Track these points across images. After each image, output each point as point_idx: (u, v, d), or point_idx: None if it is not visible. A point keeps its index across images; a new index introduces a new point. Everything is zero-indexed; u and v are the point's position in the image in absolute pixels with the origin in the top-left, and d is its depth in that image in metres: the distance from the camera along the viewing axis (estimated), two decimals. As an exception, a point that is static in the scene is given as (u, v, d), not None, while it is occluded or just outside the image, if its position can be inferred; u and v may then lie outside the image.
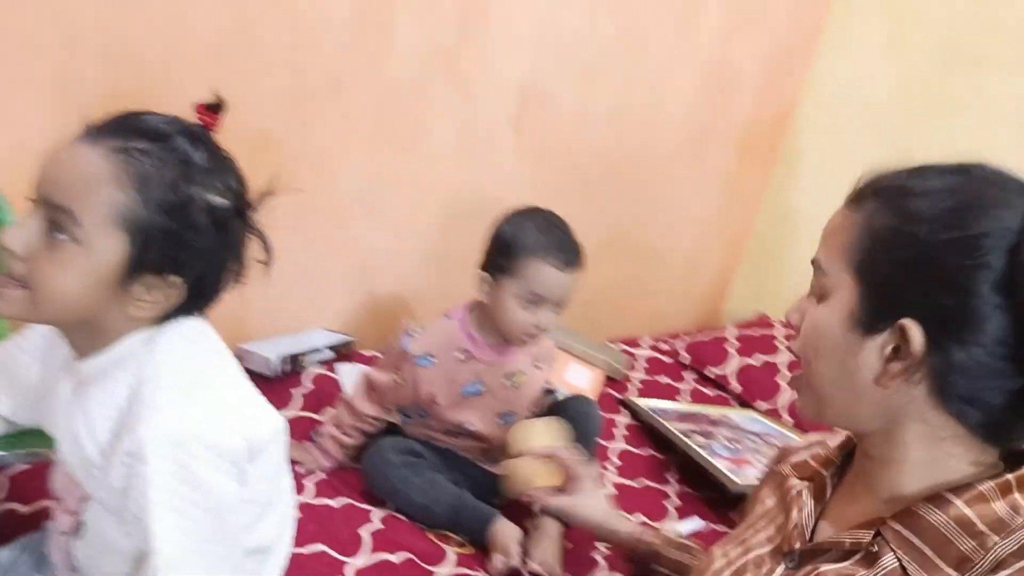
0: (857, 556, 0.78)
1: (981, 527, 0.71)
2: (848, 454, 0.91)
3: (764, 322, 2.62)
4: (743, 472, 1.87)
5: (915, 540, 0.74)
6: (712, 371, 2.43)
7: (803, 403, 0.86)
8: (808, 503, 0.88)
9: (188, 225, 0.87)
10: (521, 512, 1.66)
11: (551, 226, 1.50)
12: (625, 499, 1.76)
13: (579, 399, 1.75)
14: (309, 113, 1.76)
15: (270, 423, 0.99)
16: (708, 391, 2.40)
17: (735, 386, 2.38)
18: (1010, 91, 2.18)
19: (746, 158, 2.63)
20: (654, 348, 2.55)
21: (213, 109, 0.95)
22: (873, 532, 0.77)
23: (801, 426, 2.20)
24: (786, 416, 2.26)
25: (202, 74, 1.60)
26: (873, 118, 2.47)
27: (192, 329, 0.96)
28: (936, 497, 0.75)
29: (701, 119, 2.44)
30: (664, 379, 2.40)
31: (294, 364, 1.79)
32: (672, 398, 2.31)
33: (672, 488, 1.91)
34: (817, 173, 2.63)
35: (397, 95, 1.86)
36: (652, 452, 2.02)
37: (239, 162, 1.68)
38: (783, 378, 2.35)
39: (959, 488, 0.75)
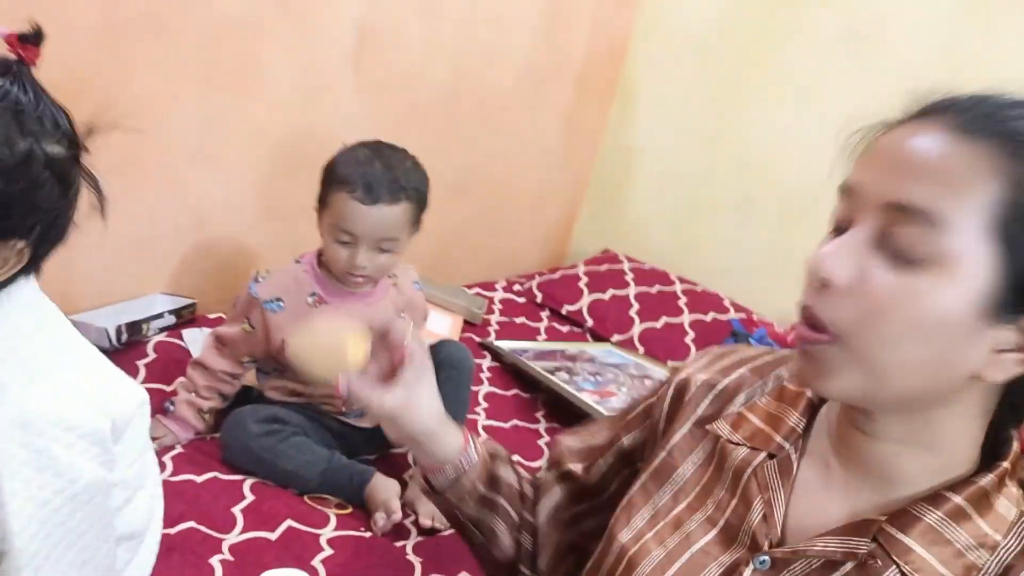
0: (846, 568, 0.65)
1: (986, 529, 0.63)
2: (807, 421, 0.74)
3: (611, 257, 2.67)
4: (608, 403, 1.91)
5: (919, 549, 0.62)
6: (567, 308, 2.46)
7: (833, 382, 0.62)
8: (780, 491, 0.70)
9: (30, 184, 0.74)
10: (398, 466, 1.61)
11: (370, 159, 1.42)
12: (498, 439, 1.74)
13: (450, 343, 1.70)
14: (127, 53, 1.57)
15: (132, 396, 0.89)
16: (564, 328, 2.42)
17: (589, 321, 2.42)
18: (829, 21, 2.30)
19: (584, 95, 2.64)
20: (508, 290, 2.55)
21: (30, 40, 0.80)
22: (869, 539, 0.64)
23: (655, 355, 2.27)
24: (639, 347, 2.33)
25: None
26: (703, 53, 2.54)
27: (29, 297, 0.83)
28: (935, 497, 0.64)
29: (539, 55, 2.42)
30: (520, 319, 2.40)
31: (133, 333, 1.62)
32: (531, 338, 2.32)
33: (542, 426, 1.92)
34: (652, 109, 2.69)
35: (226, 33, 1.70)
36: (518, 392, 2.02)
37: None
38: (633, 311, 2.41)
39: (957, 484, 0.64)
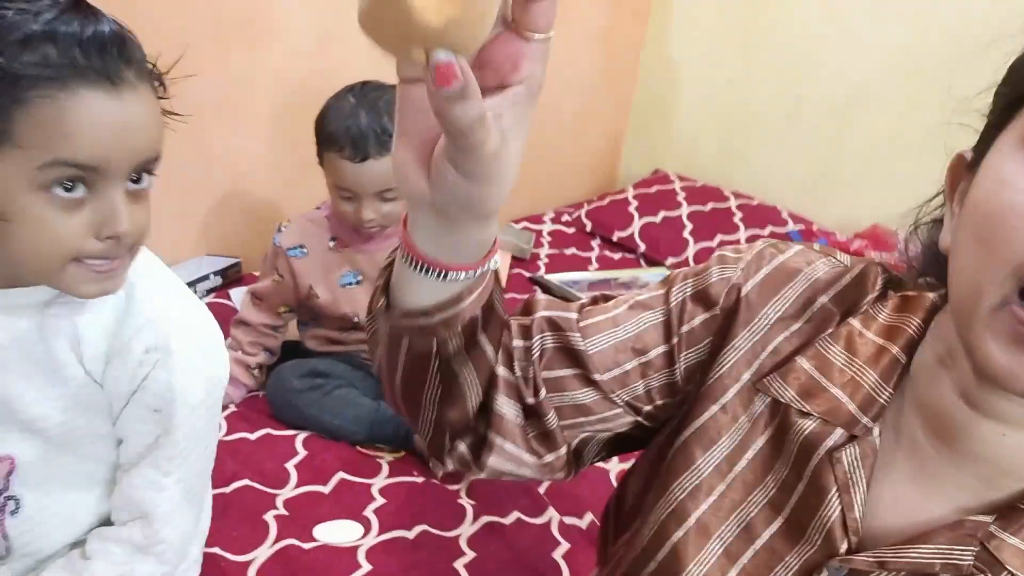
0: None
1: None
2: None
3: (661, 178, 2.59)
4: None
5: None
6: (617, 235, 2.40)
7: None
8: (861, 483, 0.56)
9: None
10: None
11: (355, 109, 1.38)
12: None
13: None
14: (137, 11, 1.55)
15: None
16: (616, 256, 2.37)
17: (641, 246, 2.36)
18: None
19: (619, 9, 2.53)
20: (556, 221, 2.50)
21: None
22: (975, 546, 0.52)
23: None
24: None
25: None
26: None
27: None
28: None
29: (569, -26, 2.31)
30: (571, 251, 2.36)
31: (180, 297, 1.64)
32: (582, 268, 2.28)
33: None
34: (691, 17, 2.56)
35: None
36: (571, 325, 1.99)
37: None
38: (687, 232, 2.34)
39: None
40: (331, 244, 1.50)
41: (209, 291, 1.73)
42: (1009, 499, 0.52)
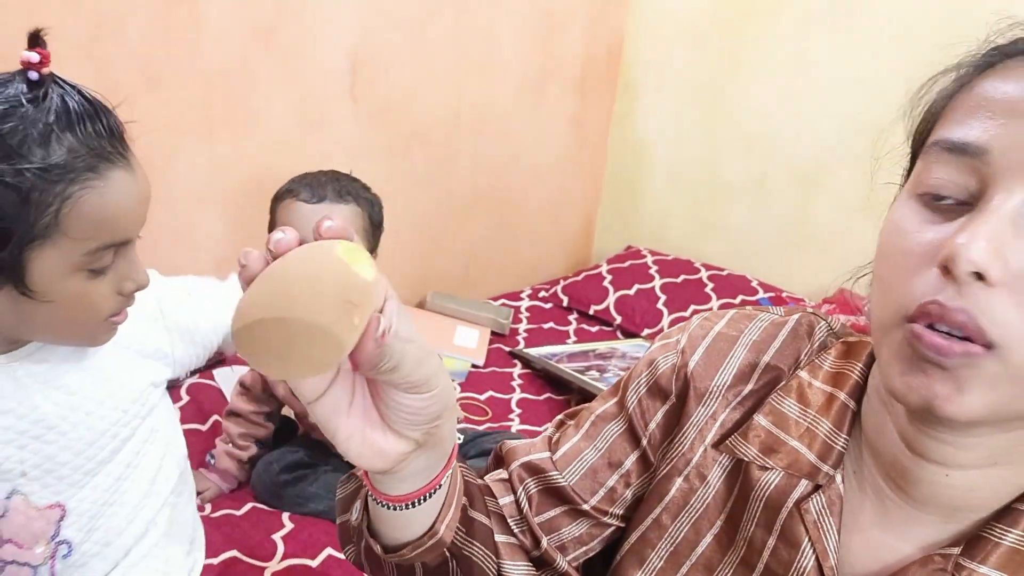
0: None
1: None
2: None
3: (633, 253, 2.67)
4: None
5: None
6: (594, 308, 2.46)
7: (976, 401, 0.48)
8: (832, 531, 0.58)
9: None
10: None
11: (318, 175, 1.41)
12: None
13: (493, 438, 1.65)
14: (123, 111, 1.62)
15: None
16: (593, 329, 2.42)
17: (617, 318, 2.42)
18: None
19: (587, 97, 2.65)
20: (533, 297, 2.56)
21: (39, 42, 0.76)
22: None
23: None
24: (671, 337, 2.31)
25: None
26: (697, 38, 2.54)
27: None
28: (1007, 512, 0.54)
29: (536, 64, 2.44)
30: (549, 325, 2.41)
31: (165, 379, 1.67)
32: (561, 342, 2.32)
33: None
34: (656, 101, 2.69)
35: (219, 82, 1.75)
36: (551, 395, 2.03)
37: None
38: (661, 303, 2.40)
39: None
40: None
41: (193, 373, 1.75)
42: (973, 528, 0.54)
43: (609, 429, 0.70)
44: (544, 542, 0.69)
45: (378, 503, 0.58)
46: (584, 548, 0.71)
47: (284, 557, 1.34)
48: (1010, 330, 0.46)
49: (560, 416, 0.77)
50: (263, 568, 1.31)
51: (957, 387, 0.47)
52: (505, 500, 0.71)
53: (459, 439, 1.59)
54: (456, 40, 2.19)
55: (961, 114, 0.50)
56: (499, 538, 0.69)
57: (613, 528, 0.71)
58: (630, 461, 0.69)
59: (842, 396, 0.61)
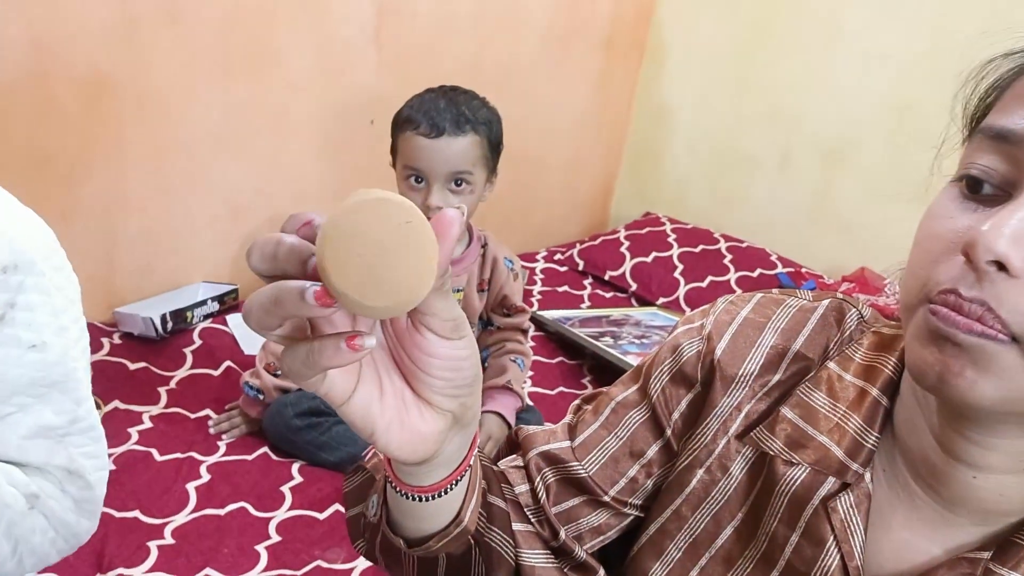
0: None
1: None
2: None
3: (652, 220, 2.63)
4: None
5: None
6: (609, 274, 2.43)
7: (993, 388, 0.46)
8: (859, 530, 0.56)
9: None
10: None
11: (434, 98, 1.41)
12: (544, 407, 1.73)
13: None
14: (144, 47, 1.59)
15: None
16: (608, 295, 2.39)
17: (633, 285, 2.39)
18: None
19: (613, 57, 2.59)
20: (549, 259, 2.53)
21: None
22: None
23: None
24: (685, 308, 2.29)
25: (17, 10, 1.41)
26: (729, 3, 2.47)
27: None
28: None
29: (564, 19, 2.38)
30: (563, 288, 2.38)
31: (178, 321, 1.65)
32: (575, 306, 2.30)
33: (589, 392, 1.90)
34: (683, 65, 2.63)
35: (241, 21, 1.70)
36: (563, 359, 2.01)
37: (75, 114, 1.50)
38: (678, 272, 2.37)
39: None
40: None
41: (206, 316, 1.73)
42: (1004, 533, 0.53)
43: (631, 417, 0.67)
44: (562, 533, 0.67)
45: (404, 496, 0.54)
46: (601, 537, 0.69)
47: (291, 508, 1.32)
48: (1020, 320, 0.44)
49: (577, 401, 0.74)
50: (268, 519, 1.29)
51: (972, 365, 0.46)
52: (521, 489, 0.68)
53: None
54: (481, -11, 2.14)
55: (1014, 102, 0.48)
56: (516, 526, 0.66)
57: (631, 518, 0.69)
58: (652, 451, 0.66)
59: (874, 392, 0.58)
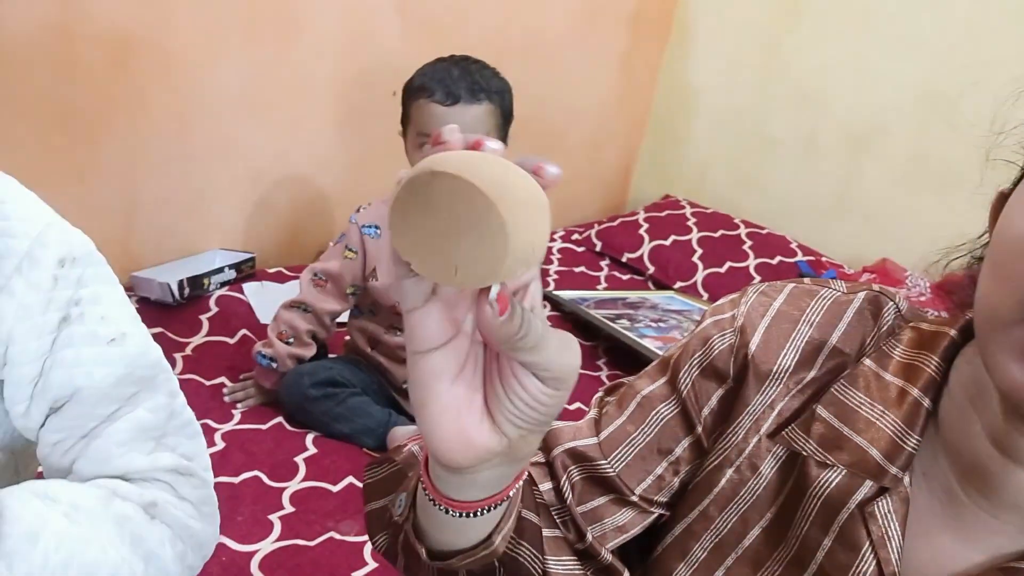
0: None
1: None
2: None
3: (672, 203, 2.60)
4: (671, 348, 1.86)
5: None
6: (627, 256, 2.41)
7: None
8: (896, 536, 0.54)
9: None
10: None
11: (447, 67, 1.40)
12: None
13: None
14: (170, 9, 1.56)
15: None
16: (625, 277, 2.37)
17: (650, 268, 2.36)
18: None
19: (639, 34, 2.55)
20: (566, 239, 2.51)
21: None
22: None
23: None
24: (703, 293, 2.27)
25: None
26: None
27: None
28: None
29: (591, -5, 2.34)
30: (580, 269, 2.36)
31: (195, 288, 1.64)
32: (591, 287, 2.28)
33: (604, 373, 1.89)
34: (709, 45, 2.59)
35: (268, -18, 1.67)
36: (579, 340, 1.98)
37: (98, 72, 1.48)
38: (696, 257, 2.34)
39: None
40: None
41: (223, 284, 1.72)
42: None
43: (659, 412, 0.64)
44: (589, 535, 0.64)
45: (436, 505, 0.50)
46: (623, 536, 0.66)
47: (305, 479, 1.32)
48: None
49: (599, 394, 0.70)
50: (283, 488, 1.29)
51: None
52: (545, 487, 0.65)
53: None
54: (511, -39, 2.10)
55: None
56: (545, 532, 0.63)
57: (656, 516, 0.65)
58: (681, 448, 0.63)
59: (915, 392, 0.55)
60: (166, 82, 1.61)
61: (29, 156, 1.47)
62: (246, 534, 1.17)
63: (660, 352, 1.91)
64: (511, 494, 0.50)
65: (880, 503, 0.54)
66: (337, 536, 1.20)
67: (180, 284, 1.59)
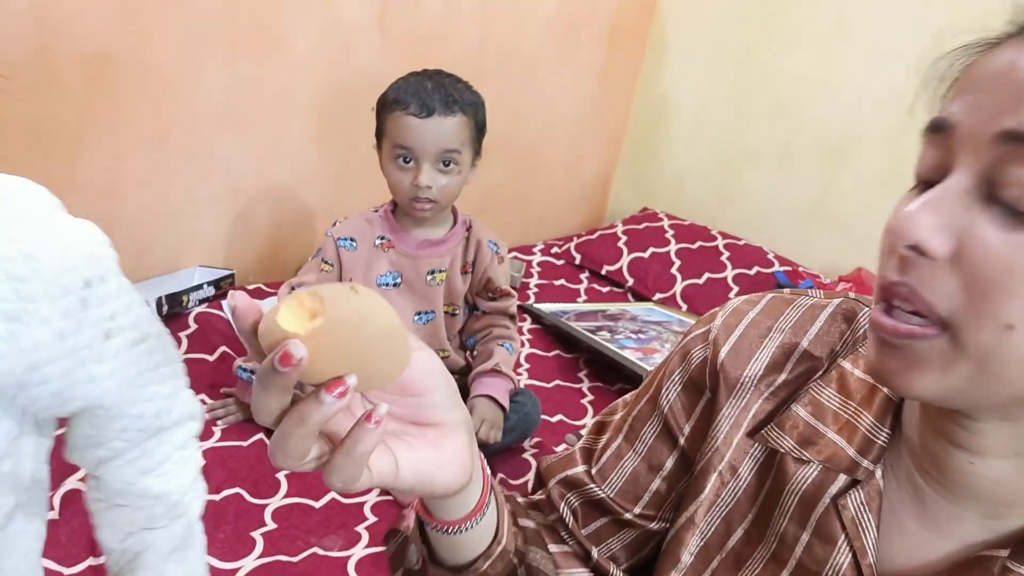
0: None
1: None
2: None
3: (650, 215, 2.62)
4: (652, 360, 1.87)
5: None
6: (606, 269, 2.42)
7: (929, 381, 0.47)
8: (870, 528, 0.55)
9: None
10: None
11: (420, 81, 1.41)
12: (540, 401, 1.72)
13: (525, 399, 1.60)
14: (148, 24, 1.56)
15: None
16: (604, 289, 2.39)
17: (629, 280, 2.38)
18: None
19: (616, 48, 2.58)
20: (546, 252, 2.52)
21: None
22: None
23: (698, 312, 2.22)
24: (682, 304, 2.28)
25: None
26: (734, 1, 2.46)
27: None
28: None
29: (568, 10, 2.36)
30: (560, 282, 2.37)
31: (173, 305, 1.63)
32: (571, 300, 2.29)
33: (585, 385, 1.89)
34: (685, 59, 2.62)
35: (247, 1, 1.68)
36: (560, 352, 2.00)
37: (77, 89, 1.48)
38: (675, 268, 2.36)
39: None
40: (377, 242, 1.50)
41: (201, 301, 1.71)
42: (1020, 531, 0.52)
43: (646, 431, 0.68)
44: (594, 553, 0.68)
45: (447, 532, 0.56)
46: (638, 555, 0.70)
47: (287, 495, 1.31)
48: (957, 309, 0.44)
49: (597, 418, 0.74)
50: (264, 505, 1.28)
51: (906, 364, 0.47)
52: (552, 517, 0.70)
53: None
54: (488, -22, 2.12)
55: (953, 94, 0.48)
56: (553, 548, 0.68)
57: (659, 528, 0.69)
58: (670, 462, 0.67)
59: (885, 389, 0.57)
60: (145, 99, 1.60)
61: (7, 172, 1.46)
62: (229, 551, 1.16)
63: (640, 363, 1.92)
64: (493, 485, 0.58)
65: (852, 495, 0.56)
66: (320, 552, 1.20)
67: (159, 301, 1.59)
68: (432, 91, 1.39)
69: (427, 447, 0.48)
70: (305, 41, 1.80)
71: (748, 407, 0.62)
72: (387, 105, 1.42)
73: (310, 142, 1.92)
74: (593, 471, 0.69)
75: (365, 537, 1.25)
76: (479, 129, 1.47)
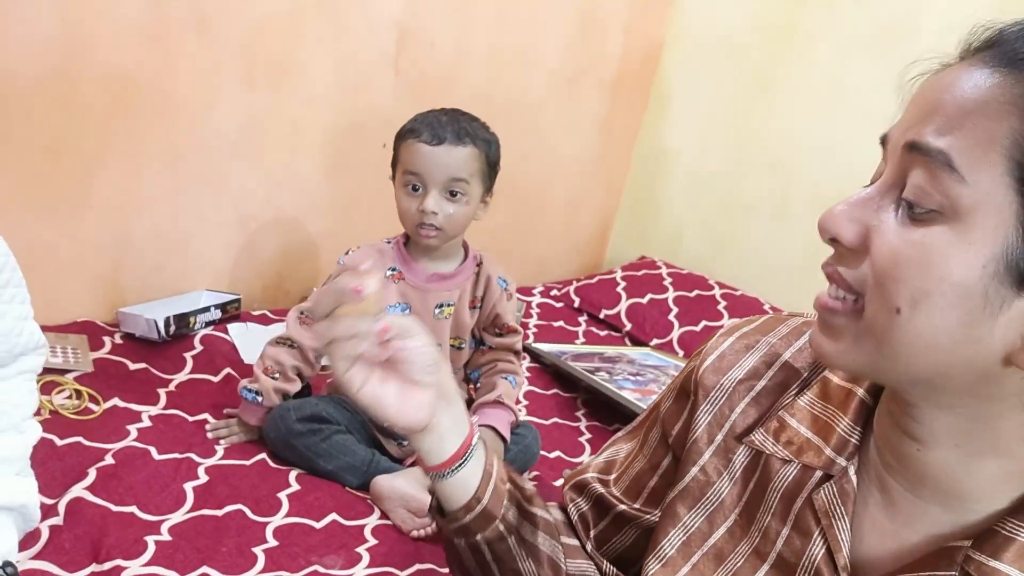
0: None
1: None
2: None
3: (648, 263, 2.66)
4: (650, 400, 1.88)
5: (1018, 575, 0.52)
6: (604, 313, 2.45)
7: (844, 353, 0.54)
8: (843, 520, 0.59)
9: None
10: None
11: (436, 114, 1.46)
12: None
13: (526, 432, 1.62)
14: (171, 51, 1.61)
15: None
16: (602, 332, 2.41)
17: (627, 325, 2.40)
18: (861, 18, 2.29)
19: (618, 99, 2.65)
20: (545, 295, 2.54)
21: None
22: (956, 571, 0.54)
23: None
24: (679, 350, 2.30)
25: (50, 8, 1.42)
26: (734, 54, 2.54)
27: None
28: (1022, 507, 0.54)
29: (573, 61, 2.43)
30: (559, 323, 2.39)
31: (180, 326, 1.64)
32: (569, 341, 2.30)
33: (582, 424, 1.90)
34: (686, 112, 2.69)
35: (266, 31, 1.73)
36: (558, 391, 2.01)
37: (97, 111, 1.52)
38: (672, 315, 2.39)
39: None
40: (388, 273, 1.50)
41: (208, 324, 1.72)
42: (985, 521, 0.54)
43: (652, 436, 0.76)
44: (605, 566, 0.76)
45: (437, 476, 0.67)
46: (639, 556, 0.75)
47: (288, 515, 1.31)
48: (864, 288, 0.52)
49: (618, 434, 0.84)
50: (266, 523, 1.27)
51: (828, 334, 0.55)
52: (572, 513, 0.80)
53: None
54: (497, 24, 2.18)
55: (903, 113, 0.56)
56: (565, 540, 0.76)
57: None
58: (666, 462, 0.74)
59: (860, 392, 0.63)
60: (163, 123, 1.64)
61: (23, 189, 1.48)
62: (230, 565, 1.15)
63: (639, 403, 1.94)
64: (473, 443, 0.68)
65: (824, 488, 0.60)
66: (321, 569, 1.19)
67: (166, 321, 1.59)
68: (446, 123, 1.44)
69: (393, 388, 0.63)
70: (321, 76, 1.85)
71: (731, 408, 0.68)
72: (403, 135, 1.46)
73: (320, 174, 1.95)
74: (612, 477, 0.78)
75: (366, 558, 1.24)
76: (491, 166, 1.49)
